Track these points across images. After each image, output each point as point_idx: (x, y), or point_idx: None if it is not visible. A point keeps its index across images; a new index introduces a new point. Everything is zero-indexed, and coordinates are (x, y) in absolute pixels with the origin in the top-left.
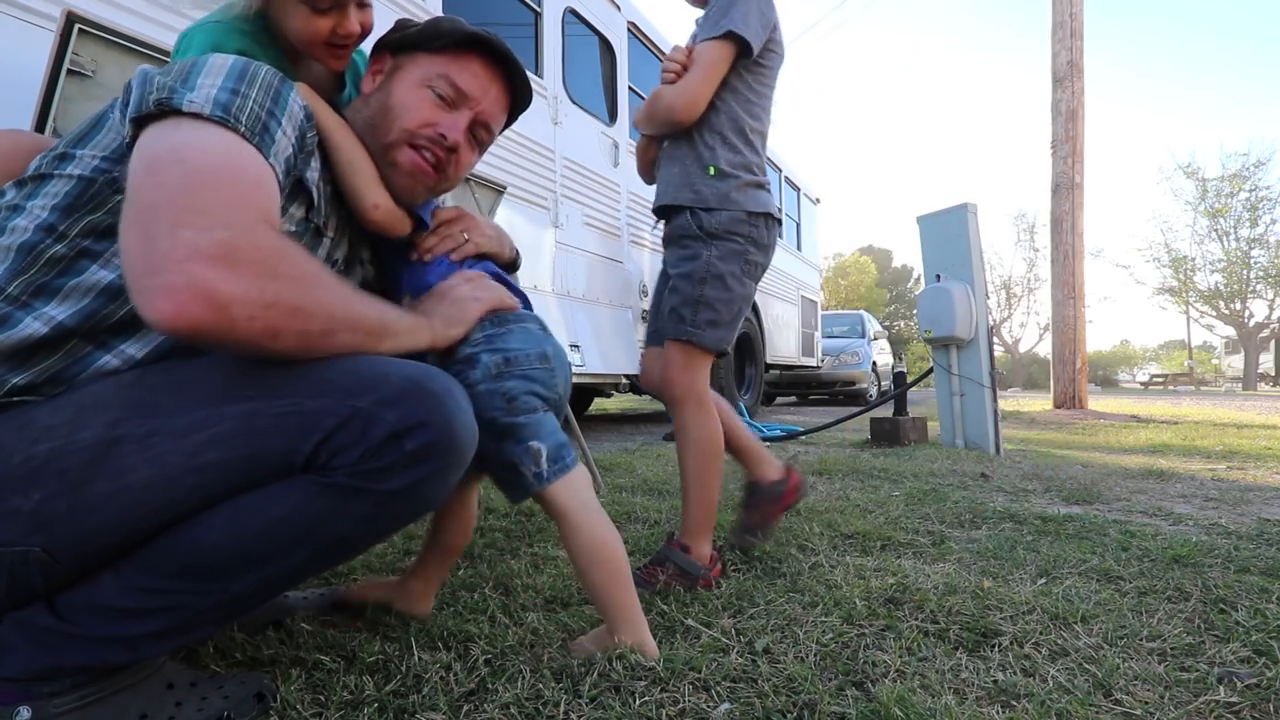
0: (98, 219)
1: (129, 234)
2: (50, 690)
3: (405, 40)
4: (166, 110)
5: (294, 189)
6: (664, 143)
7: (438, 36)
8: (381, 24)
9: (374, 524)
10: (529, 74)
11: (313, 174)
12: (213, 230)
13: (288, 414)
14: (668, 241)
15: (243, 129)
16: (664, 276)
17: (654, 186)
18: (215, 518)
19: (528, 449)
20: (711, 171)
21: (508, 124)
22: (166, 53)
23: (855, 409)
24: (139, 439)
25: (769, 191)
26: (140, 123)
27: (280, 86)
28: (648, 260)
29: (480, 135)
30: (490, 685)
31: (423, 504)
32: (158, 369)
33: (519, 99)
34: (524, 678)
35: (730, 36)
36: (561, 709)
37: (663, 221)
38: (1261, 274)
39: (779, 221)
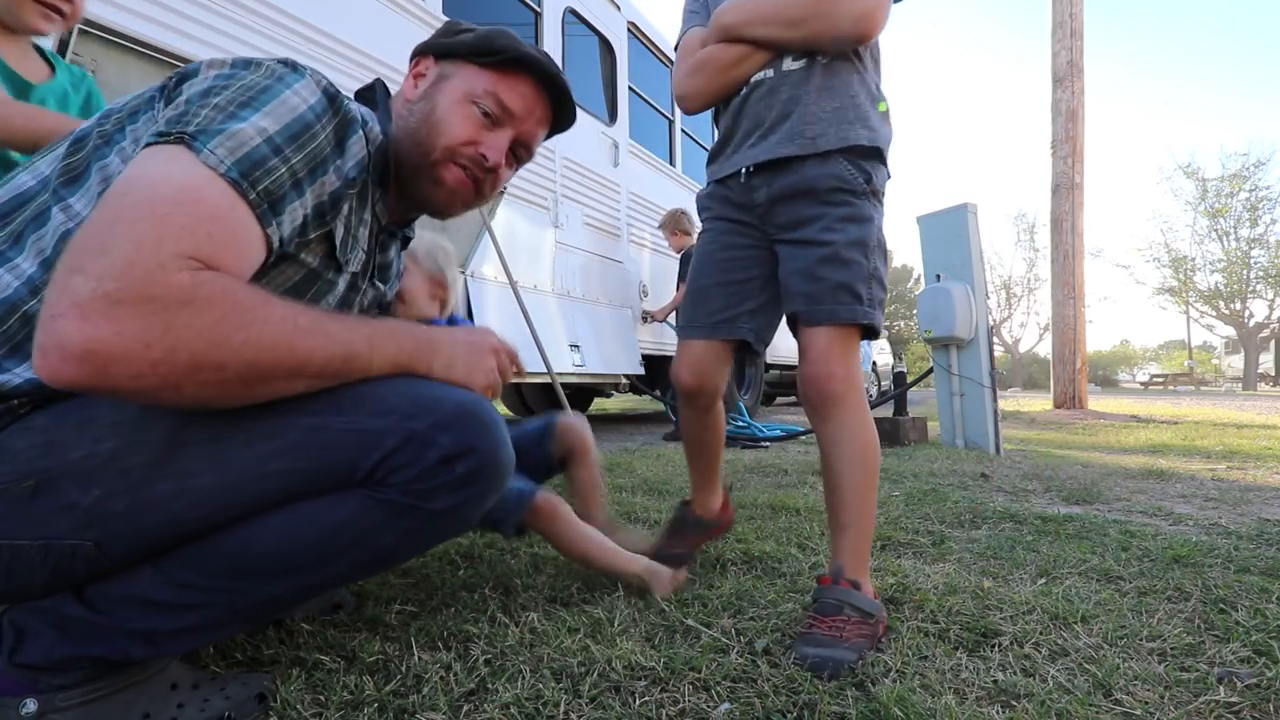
0: None
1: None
2: (59, 683)
3: (453, 48)
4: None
5: (317, 236)
6: (785, 63)
7: (490, 52)
8: (383, 27)
9: (417, 540)
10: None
11: (344, 221)
12: (105, 276)
13: (351, 431)
14: (805, 197)
15: (251, 196)
16: (796, 242)
17: (651, 181)
18: (270, 522)
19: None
20: (883, 108)
21: (545, 137)
22: (167, 53)
23: None
24: (205, 443)
25: None
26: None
27: (330, 152)
28: (648, 260)
29: (519, 153)
30: (490, 685)
31: (462, 524)
32: None
33: (561, 116)
34: (524, 678)
35: None
36: (561, 709)
37: (756, 176)
38: (1261, 274)
39: None
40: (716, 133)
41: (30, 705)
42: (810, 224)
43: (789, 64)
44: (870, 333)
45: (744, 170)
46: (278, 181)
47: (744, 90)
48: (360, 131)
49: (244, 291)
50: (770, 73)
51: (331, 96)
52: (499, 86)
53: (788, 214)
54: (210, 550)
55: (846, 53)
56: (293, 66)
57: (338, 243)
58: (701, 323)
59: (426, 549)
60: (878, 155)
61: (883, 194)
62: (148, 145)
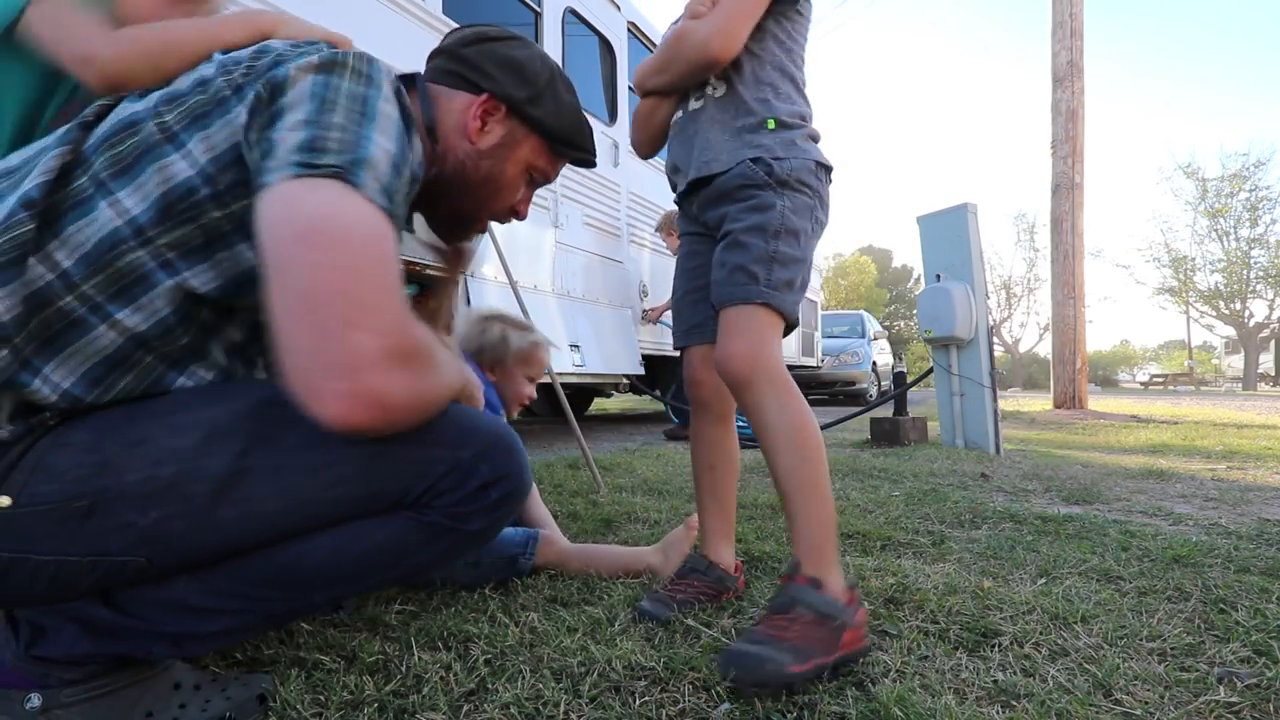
0: (188, 233)
1: (293, 321)
2: (68, 678)
3: (530, 118)
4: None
5: None
6: (689, 104)
7: (570, 146)
8: (383, 27)
9: (446, 557)
10: None
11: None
12: (384, 334)
13: (406, 459)
14: (720, 199)
15: (396, 223)
16: (719, 239)
17: (651, 181)
18: (322, 539)
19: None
20: (771, 125)
21: None
22: None
23: (855, 409)
24: (268, 471)
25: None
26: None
27: (410, 157)
28: (648, 260)
29: None
30: (490, 685)
31: (484, 543)
32: (277, 401)
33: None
34: (524, 678)
35: None
36: (561, 709)
37: (680, 194)
38: (1261, 274)
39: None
40: None
41: (35, 700)
42: (724, 220)
43: (693, 104)
44: (786, 321)
45: (676, 196)
46: (399, 197)
47: (670, 130)
48: (416, 134)
49: (425, 336)
50: (681, 113)
51: (397, 91)
52: (552, 168)
53: (712, 217)
54: (260, 563)
55: (730, 81)
56: (369, 63)
57: None
58: (679, 332)
59: (449, 565)
60: (783, 153)
61: (796, 182)
62: (298, 176)
